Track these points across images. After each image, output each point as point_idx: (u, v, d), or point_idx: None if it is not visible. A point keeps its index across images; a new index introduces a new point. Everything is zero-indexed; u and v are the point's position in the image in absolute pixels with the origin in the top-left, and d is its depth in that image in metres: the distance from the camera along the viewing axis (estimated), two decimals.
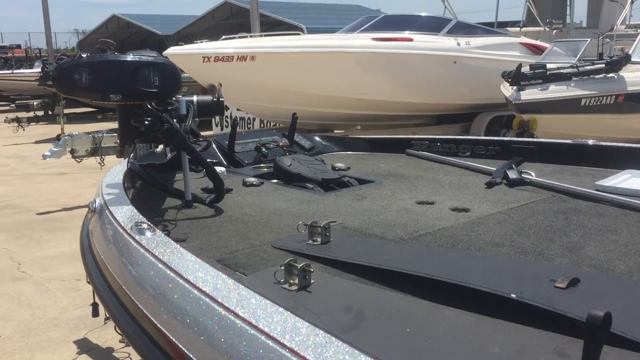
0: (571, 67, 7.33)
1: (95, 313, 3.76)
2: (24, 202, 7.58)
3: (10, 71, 20.96)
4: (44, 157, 7.03)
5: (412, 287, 1.50)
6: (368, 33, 9.27)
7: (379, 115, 9.44)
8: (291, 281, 1.48)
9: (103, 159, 7.33)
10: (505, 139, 3.33)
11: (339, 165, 3.18)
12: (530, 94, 7.12)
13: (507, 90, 7.62)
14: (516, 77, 7.23)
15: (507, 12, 26.87)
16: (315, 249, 1.82)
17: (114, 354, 3.67)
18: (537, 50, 10.62)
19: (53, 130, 13.58)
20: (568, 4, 19.13)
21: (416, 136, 3.61)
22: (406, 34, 9.23)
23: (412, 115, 10.04)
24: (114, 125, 16.62)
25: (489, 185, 2.77)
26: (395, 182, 2.94)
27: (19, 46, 35.50)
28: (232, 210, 2.46)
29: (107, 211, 1.98)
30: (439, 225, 2.17)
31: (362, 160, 3.52)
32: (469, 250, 1.88)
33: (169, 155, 2.85)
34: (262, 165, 3.32)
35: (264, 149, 3.38)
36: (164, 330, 1.36)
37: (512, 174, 2.78)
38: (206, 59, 7.73)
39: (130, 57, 2.31)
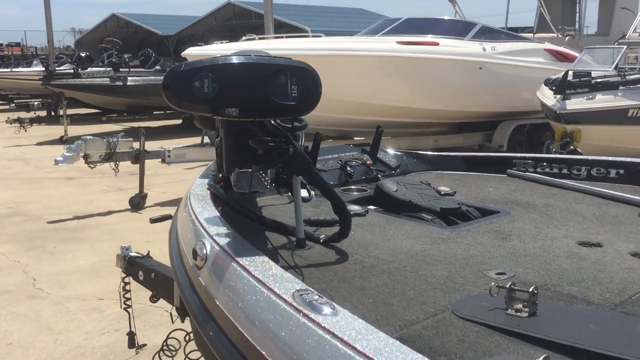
0: (618, 75, 6.98)
1: (132, 344, 3.39)
2: (32, 210, 7.16)
3: (9, 69, 20.51)
4: (56, 162, 6.60)
5: None
6: (391, 36, 8.91)
7: (400, 122, 9.07)
8: None
9: (118, 165, 6.94)
10: (629, 159, 2.92)
11: (443, 189, 2.74)
12: (577, 104, 6.77)
13: (549, 98, 7.25)
14: (562, 86, 6.86)
15: (516, 17, 26.73)
16: (528, 325, 1.39)
17: None
18: (561, 57, 10.29)
19: (55, 131, 13.18)
20: (578, 10, 18.98)
21: (518, 154, 3.22)
22: (431, 38, 8.88)
23: (432, 123, 9.70)
24: (118, 127, 16.06)
25: None
26: (524, 212, 2.48)
27: (18, 44, 34.95)
28: (356, 251, 1.98)
29: (235, 264, 1.54)
30: None
31: (461, 181, 3.07)
32: None
33: (266, 175, 2.31)
34: (352, 187, 2.85)
35: (348, 168, 2.94)
36: None
37: None
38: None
39: (261, 59, 1.80)
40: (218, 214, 1.97)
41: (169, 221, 3.64)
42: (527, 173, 3.02)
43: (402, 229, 2.22)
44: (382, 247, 2.02)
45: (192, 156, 7.78)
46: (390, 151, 3.36)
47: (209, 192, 2.27)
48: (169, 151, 7.38)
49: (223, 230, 1.80)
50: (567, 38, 15.84)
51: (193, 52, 7.52)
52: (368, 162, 3.05)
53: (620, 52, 7.86)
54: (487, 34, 9.61)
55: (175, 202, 7.49)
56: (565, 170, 2.97)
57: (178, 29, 34.32)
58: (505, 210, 2.49)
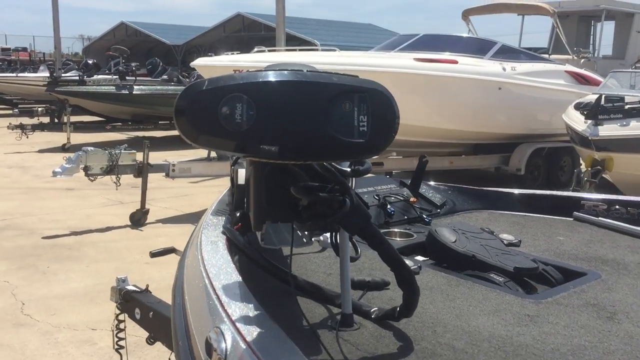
0: None
1: None
2: (27, 223, 6.79)
3: (14, 74, 20.25)
4: (54, 174, 6.24)
5: None
6: (408, 52, 8.58)
7: (414, 141, 8.70)
8: None
9: (119, 178, 6.58)
10: None
11: (507, 237, 2.25)
12: (610, 130, 6.37)
13: (578, 123, 6.85)
14: (595, 110, 6.48)
15: (529, 37, 26.26)
16: None
17: None
18: (582, 79, 9.95)
19: (58, 138, 12.85)
20: (592, 33, 18.82)
21: (586, 195, 2.82)
22: (449, 55, 8.54)
23: (448, 143, 9.34)
24: (122, 136, 15.76)
25: None
26: (617, 275, 2.00)
27: (25, 49, 34.82)
28: (420, 334, 1.49)
29: None
30: None
31: (521, 226, 2.61)
32: None
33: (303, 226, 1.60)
34: (394, 229, 2.37)
35: (389, 206, 2.46)
36: None
37: None
38: (238, 72, 6.99)
39: (318, 76, 1.23)
40: (239, 278, 1.51)
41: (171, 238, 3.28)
42: (599, 218, 2.57)
43: (471, 297, 1.74)
44: (453, 328, 1.54)
45: (197, 171, 7.43)
46: (433, 184, 2.89)
47: (224, 237, 1.83)
48: (173, 165, 7.03)
49: (248, 310, 1.34)
50: (582, 60, 15.58)
51: (203, 63, 7.17)
52: (412, 200, 2.59)
53: None
54: (507, 53, 9.28)
55: (179, 219, 7.16)
56: None
57: (186, 39, 34.20)
58: (592, 271, 2.00)
